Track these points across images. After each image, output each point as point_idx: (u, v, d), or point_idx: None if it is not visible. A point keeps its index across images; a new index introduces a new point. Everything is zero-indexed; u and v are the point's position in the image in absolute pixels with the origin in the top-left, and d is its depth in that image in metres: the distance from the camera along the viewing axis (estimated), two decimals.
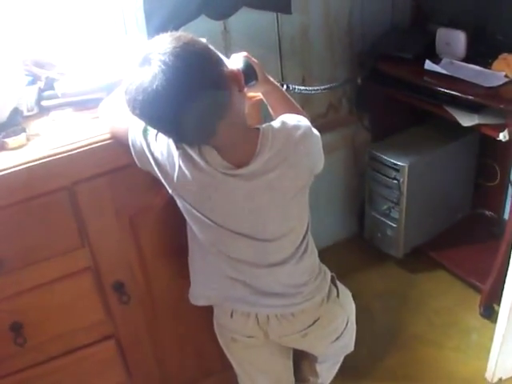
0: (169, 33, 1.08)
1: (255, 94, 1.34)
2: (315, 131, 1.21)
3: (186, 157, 1.14)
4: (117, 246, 1.41)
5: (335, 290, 1.40)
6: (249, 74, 1.20)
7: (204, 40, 1.13)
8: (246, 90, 1.22)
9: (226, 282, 1.30)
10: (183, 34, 1.08)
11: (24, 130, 1.26)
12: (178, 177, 1.16)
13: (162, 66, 1.00)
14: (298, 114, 1.25)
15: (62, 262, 1.36)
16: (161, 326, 1.58)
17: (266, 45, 2.15)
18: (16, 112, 1.31)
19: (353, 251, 2.50)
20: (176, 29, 1.85)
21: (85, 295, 1.42)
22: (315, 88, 1.67)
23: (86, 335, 1.47)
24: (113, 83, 1.35)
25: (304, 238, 1.28)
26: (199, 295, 1.38)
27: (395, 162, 2.14)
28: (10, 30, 1.48)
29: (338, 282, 1.42)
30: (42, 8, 1.57)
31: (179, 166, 1.15)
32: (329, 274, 1.39)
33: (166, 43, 1.03)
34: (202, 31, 1.93)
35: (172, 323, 1.59)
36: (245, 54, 1.24)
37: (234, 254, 1.25)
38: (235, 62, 1.20)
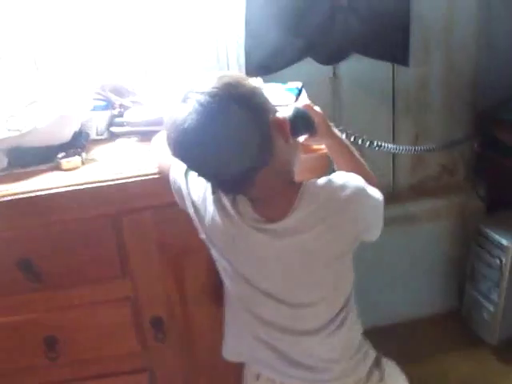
0: (218, 71, 1.04)
1: (319, 146, 1.26)
2: (374, 194, 1.09)
3: (219, 203, 1.09)
4: (158, 282, 1.38)
5: (377, 374, 1.24)
6: (300, 124, 1.11)
7: (259, 82, 1.07)
8: (301, 141, 1.16)
9: (254, 343, 1.21)
10: (232, 74, 1.04)
11: (80, 154, 1.28)
12: (209, 222, 1.11)
13: (196, 106, 0.96)
14: (361, 173, 1.14)
15: (103, 287, 1.37)
16: (197, 368, 1.52)
17: (378, 96, 2.04)
18: (80, 134, 1.34)
19: (446, 328, 2.26)
20: (278, 69, 1.85)
21: (122, 325, 1.41)
22: (408, 148, 1.53)
23: (119, 364, 1.46)
24: None
25: (341, 310, 1.15)
26: (230, 350, 1.30)
27: (501, 240, 1.91)
28: (90, 54, 1.55)
29: (386, 364, 1.27)
30: (134, 35, 1.62)
31: (211, 212, 1.09)
32: (372, 356, 1.24)
33: (207, 82, 0.98)
34: (309, 74, 1.91)
35: (208, 369, 1.53)
36: (307, 103, 1.17)
37: (262, 314, 1.16)
38: (287, 110, 1.11)
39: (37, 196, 1.23)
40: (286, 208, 1.04)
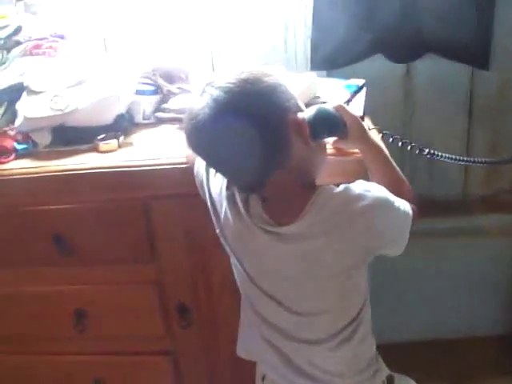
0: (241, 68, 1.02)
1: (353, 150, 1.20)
2: (400, 207, 1.02)
3: (232, 200, 1.07)
4: (184, 269, 1.39)
5: None
6: (323, 125, 1.04)
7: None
8: (329, 143, 1.12)
9: (263, 344, 1.18)
10: (255, 69, 0.99)
11: (119, 137, 1.31)
12: (223, 218, 1.09)
13: (209, 100, 0.94)
14: (394, 183, 1.09)
15: (131, 269, 1.40)
16: (220, 357, 1.52)
17: (454, 100, 1.91)
18: (123, 117, 1.36)
19: (501, 351, 2.11)
20: (345, 64, 1.78)
21: (148, 308, 1.43)
22: (465, 159, 1.40)
23: (143, 344, 1.49)
24: None
25: (350, 324, 1.09)
26: (242, 347, 1.28)
27: None
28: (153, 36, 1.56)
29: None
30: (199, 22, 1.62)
31: (225, 208, 1.08)
32: (383, 375, 1.18)
33: (225, 77, 0.96)
34: (381, 71, 1.82)
35: (231, 359, 1.52)
36: (338, 103, 1.10)
37: (266, 315, 1.14)
38: (309, 110, 1.05)
39: (72, 174, 1.27)
40: (296, 212, 1.00)
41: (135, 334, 1.47)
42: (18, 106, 1.36)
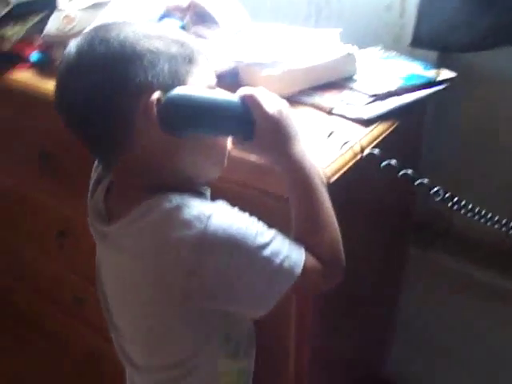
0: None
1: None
2: (278, 259, 0.75)
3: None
4: None
5: None
6: (183, 114, 0.76)
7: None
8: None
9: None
10: (137, 29, 0.77)
11: None
12: None
13: (73, 46, 0.77)
14: (312, 226, 0.82)
15: None
16: None
17: None
18: None
19: None
20: (456, 50, 1.37)
21: None
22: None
23: None
24: None
25: (166, 368, 0.88)
26: None
27: None
28: None
29: None
30: None
31: None
32: None
33: (104, 26, 0.79)
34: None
35: None
36: (247, 91, 0.80)
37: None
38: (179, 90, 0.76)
39: None
40: (123, 212, 0.79)
41: None
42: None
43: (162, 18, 1.30)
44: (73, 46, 0.77)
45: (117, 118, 0.75)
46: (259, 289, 0.77)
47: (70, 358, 1.77)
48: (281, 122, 0.80)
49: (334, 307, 1.08)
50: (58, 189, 1.38)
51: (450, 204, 0.93)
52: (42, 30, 1.35)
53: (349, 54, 1.11)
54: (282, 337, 1.07)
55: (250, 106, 0.79)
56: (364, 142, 0.94)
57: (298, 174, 0.82)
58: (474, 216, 0.93)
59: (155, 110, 0.74)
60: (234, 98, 0.80)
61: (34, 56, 1.33)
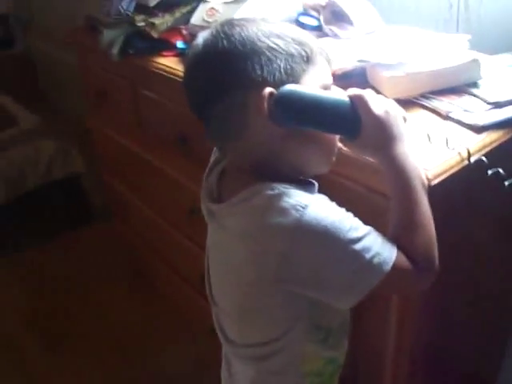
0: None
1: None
2: (368, 254, 0.78)
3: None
4: None
5: None
6: (291, 109, 0.80)
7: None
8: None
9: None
10: (262, 25, 0.82)
11: None
12: None
13: (201, 39, 0.84)
14: (406, 227, 0.83)
15: None
16: None
17: None
18: None
19: None
20: None
21: None
22: None
23: None
24: None
25: (257, 345, 0.93)
26: None
27: None
28: None
29: None
30: None
31: None
32: None
33: (237, 22, 0.84)
34: None
35: None
36: (356, 92, 0.84)
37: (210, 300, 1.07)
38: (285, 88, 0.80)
39: None
40: (230, 194, 0.86)
41: None
42: None
43: (299, 15, 1.36)
44: (200, 38, 0.85)
45: (231, 109, 0.82)
46: (346, 281, 0.79)
47: (191, 333, 1.90)
48: (386, 122, 0.82)
49: (443, 308, 1.08)
50: (191, 168, 1.48)
51: None
52: (188, 21, 1.47)
53: (474, 60, 1.09)
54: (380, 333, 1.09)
55: (357, 106, 0.82)
56: (474, 148, 0.93)
57: (398, 174, 0.83)
58: None
59: (266, 103, 0.79)
60: (343, 97, 0.84)
61: (180, 44, 1.45)
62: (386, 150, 0.84)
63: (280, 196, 0.79)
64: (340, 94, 0.84)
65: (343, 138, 0.87)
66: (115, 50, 1.53)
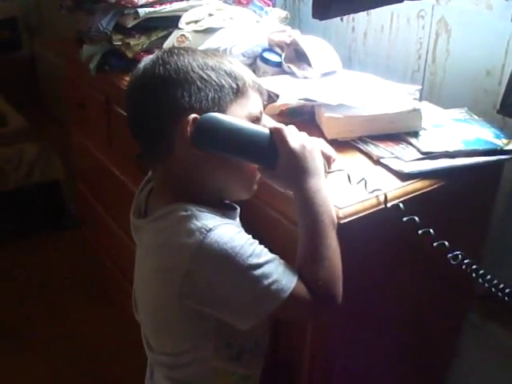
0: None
1: None
2: (266, 279, 0.82)
3: None
4: None
5: None
6: (211, 136, 0.86)
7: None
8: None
9: None
10: (196, 55, 0.90)
11: None
12: None
13: (141, 66, 0.92)
14: (311, 257, 0.87)
15: None
16: None
17: None
18: None
19: None
20: None
21: None
22: None
23: None
24: None
25: (167, 354, 0.99)
26: None
27: None
28: None
29: None
30: None
31: None
32: None
33: (168, 50, 0.92)
34: None
35: None
36: (277, 125, 0.90)
37: None
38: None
39: None
40: (152, 212, 0.93)
41: None
42: None
43: (263, 50, 1.42)
44: (143, 62, 0.92)
45: (159, 133, 0.89)
46: (243, 305, 0.84)
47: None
48: (301, 156, 0.87)
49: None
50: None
51: (468, 271, 0.93)
52: (162, 44, 1.54)
53: (414, 110, 1.14)
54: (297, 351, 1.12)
55: (275, 138, 0.88)
56: (394, 194, 0.98)
57: (307, 206, 0.88)
58: (491, 288, 0.93)
59: (190, 128, 0.85)
60: (263, 129, 0.90)
61: None
62: (298, 182, 0.89)
63: (189, 218, 0.84)
64: (261, 127, 0.90)
65: (261, 168, 0.92)
66: (92, 65, 1.60)
